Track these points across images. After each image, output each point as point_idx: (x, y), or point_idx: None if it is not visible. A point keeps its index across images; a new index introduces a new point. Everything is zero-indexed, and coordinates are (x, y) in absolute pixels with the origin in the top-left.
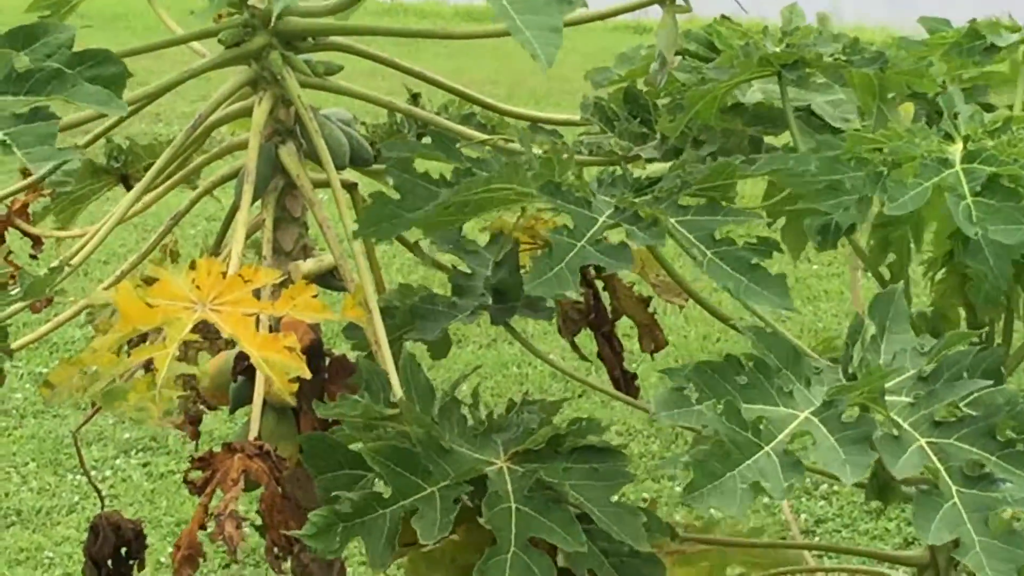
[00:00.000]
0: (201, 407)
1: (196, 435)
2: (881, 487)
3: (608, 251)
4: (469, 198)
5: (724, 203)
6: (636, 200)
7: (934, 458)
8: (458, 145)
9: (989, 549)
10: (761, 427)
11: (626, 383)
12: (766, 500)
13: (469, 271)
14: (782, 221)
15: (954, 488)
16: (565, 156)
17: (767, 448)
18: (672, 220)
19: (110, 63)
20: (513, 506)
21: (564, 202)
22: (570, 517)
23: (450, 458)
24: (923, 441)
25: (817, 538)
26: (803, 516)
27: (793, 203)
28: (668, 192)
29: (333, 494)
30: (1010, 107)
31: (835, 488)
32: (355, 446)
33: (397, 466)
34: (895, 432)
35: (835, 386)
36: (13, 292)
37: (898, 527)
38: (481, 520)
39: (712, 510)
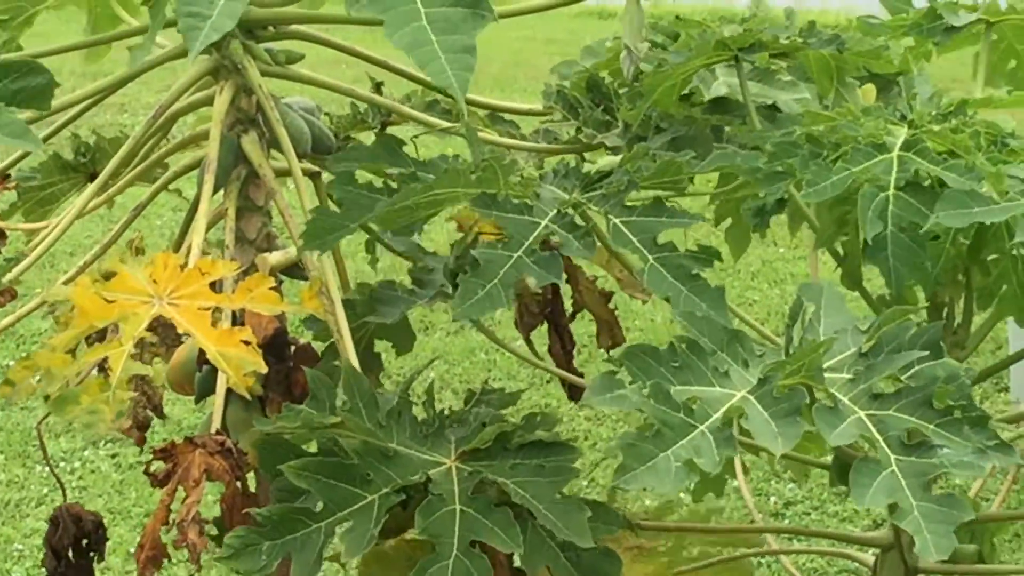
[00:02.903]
0: (149, 412)
1: (142, 441)
2: (842, 470)
3: (541, 262)
4: (414, 202)
5: (672, 200)
6: (583, 198)
7: (872, 428)
8: (418, 136)
9: (927, 512)
10: (694, 407)
11: (571, 386)
12: (735, 484)
13: (430, 268)
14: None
15: (892, 456)
16: (506, 161)
17: (702, 427)
18: (617, 220)
19: (36, 73)
20: (458, 508)
21: (500, 212)
22: (509, 518)
23: (394, 462)
24: (862, 414)
25: (787, 520)
26: (772, 499)
27: (744, 188)
28: (616, 190)
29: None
30: None
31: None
32: (312, 447)
33: (330, 478)
34: (832, 404)
35: (770, 363)
36: None
37: (867, 508)
38: (413, 532)
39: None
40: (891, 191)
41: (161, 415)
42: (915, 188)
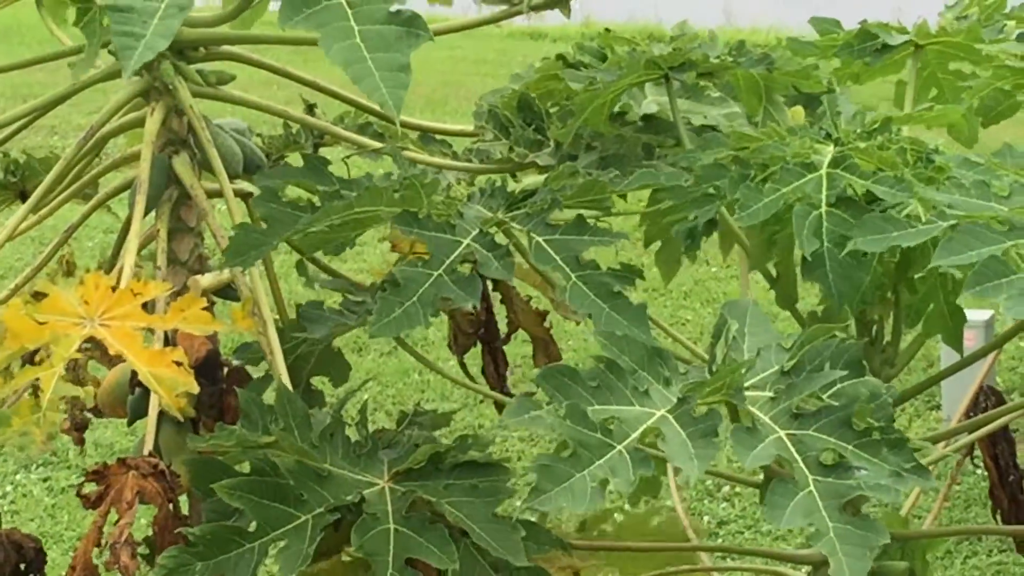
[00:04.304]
0: (87, 414)
1: (81, 442)
2: None
3: (460, 282)
4: (337, 220)
5: (595, 219)
6: (506, 217)
7: (792, 448)
8: (349, 156)
9: (842, 534)
10: (612, 427)
11: (503, 407)
12: (670, 503)
13: (359, 301)
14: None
15: (810, 477)
16: (428, 180)
17: (620, 447)
18: (540, 239)
19: None
20: (392, 527)
21: (422, 230)
22: (445, 536)
23: (328, 483)
24: (782, 433)
25: (720, 539)
26: (706, 518)
27: (672, 211)
28: (539, 208)
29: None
30: None
31: (737, 490)
32: (245, 467)
33: (263, 498)
34: (750, 424)
35: (689, 383)
36: None
37: (800, 527)
38: (350, 549)
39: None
40: (823, 208)
41: (99, 414)
42: (847, 204)
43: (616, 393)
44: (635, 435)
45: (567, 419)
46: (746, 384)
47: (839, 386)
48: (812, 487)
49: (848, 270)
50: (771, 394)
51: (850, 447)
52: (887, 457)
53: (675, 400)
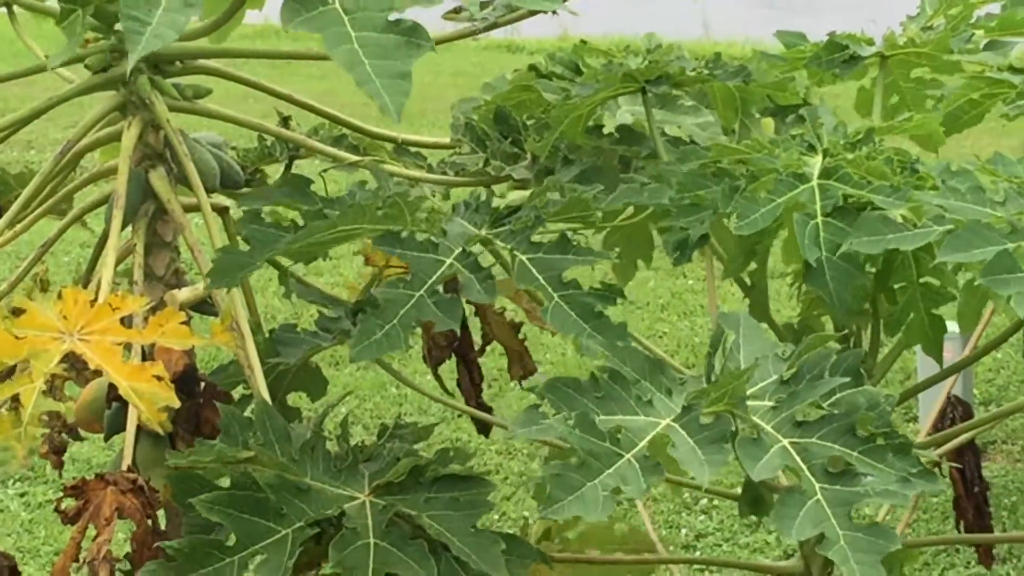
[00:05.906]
0: (65, 436)
1: (60, 464)
2: (754, 500)
3: (442, 305)
4: (319, 239)
5: (579, 232)
6: (490, 234)
7: (797, 457)
8: (326, 170)
9: (853, 542)
10: (620, 436)
11: (480, 420)
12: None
13: (335, 317)
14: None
15: (817, 485)
16: (412, 197)
17: (628, 456)
18: (523, 257)
19: None
20: (372, 541)
21: (404, 250)
22: (424, 551)
23: (307, 497)
24: (786, 442)
25: (698, 552)
26: (683, 531)
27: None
28: (523, 225)
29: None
30: None
31: (715, 503)
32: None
33: (243, 512)
34: (755, 435)
35: (693, 391)
36: None
37: (777, 539)
38: (328, 565)
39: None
40: (819, 218)
41: (77, 436)
42: (842, 212)
43: (620, 403)
44: (643, 443)
45: (576, 428)
46: (746, 393)
47: (839, 395)
48: (820, 495)
49: (848, 276)
50: (772, 403)
51: (855, 453)
52: (893, 462)
53: (679, 409)
